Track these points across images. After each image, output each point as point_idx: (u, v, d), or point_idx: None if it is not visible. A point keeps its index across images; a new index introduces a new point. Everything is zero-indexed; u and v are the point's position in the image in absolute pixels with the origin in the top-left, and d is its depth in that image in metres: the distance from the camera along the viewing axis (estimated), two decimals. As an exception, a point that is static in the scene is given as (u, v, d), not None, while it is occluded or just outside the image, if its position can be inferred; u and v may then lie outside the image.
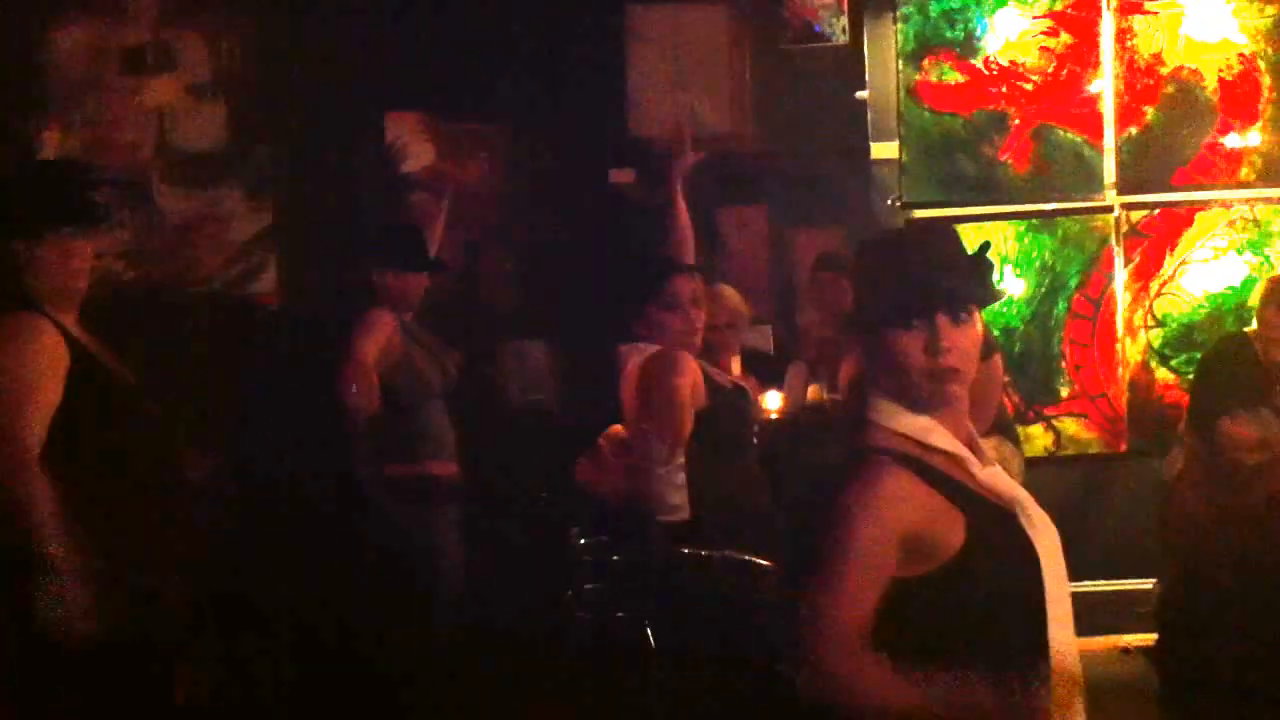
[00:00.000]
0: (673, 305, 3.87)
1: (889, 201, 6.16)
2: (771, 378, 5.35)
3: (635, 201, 5.79)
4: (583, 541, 5.56)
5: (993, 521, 2.02)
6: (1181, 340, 6.15)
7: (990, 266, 2.16)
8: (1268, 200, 6.20)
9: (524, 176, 5.44)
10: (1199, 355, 5.85)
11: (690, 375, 3.66)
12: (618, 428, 5.43)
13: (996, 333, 5.62)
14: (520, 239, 5.34)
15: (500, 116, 5.29)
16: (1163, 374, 6.15)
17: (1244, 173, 6.18)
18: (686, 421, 3.62)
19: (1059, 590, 2.06)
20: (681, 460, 3.68)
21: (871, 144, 6.12)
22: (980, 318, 2.10)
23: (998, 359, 5.06)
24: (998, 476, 2.08)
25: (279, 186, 4.60)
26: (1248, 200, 6.20)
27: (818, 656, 1.90)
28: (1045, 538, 2.06)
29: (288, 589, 4.38)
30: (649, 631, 5.33)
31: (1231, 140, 6.16)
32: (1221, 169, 6.18)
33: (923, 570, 1.97)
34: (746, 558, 3.52)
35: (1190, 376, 5.85)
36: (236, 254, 4.56)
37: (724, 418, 3.80)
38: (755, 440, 4.09)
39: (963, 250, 2.13)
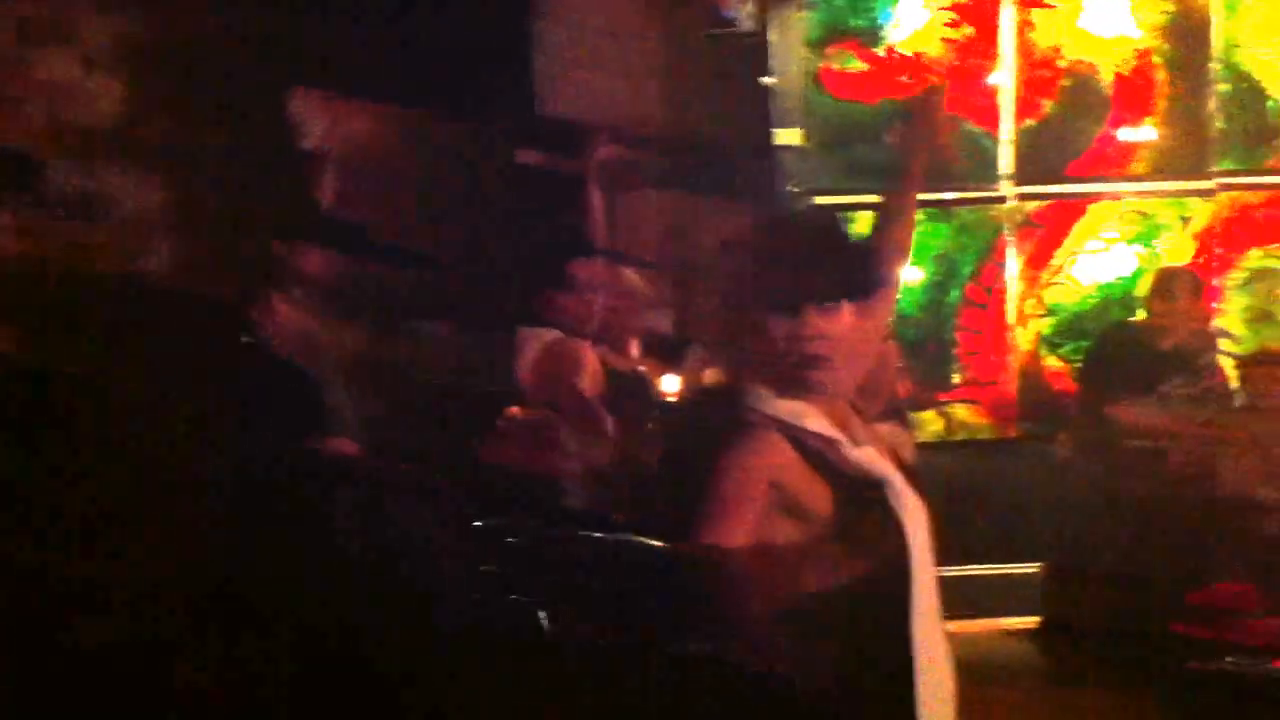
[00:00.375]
0: (571, 287, 3.86)
1: (791, 188, 6.22)
2: (671, 361, 5.37)
3: (541, 182, 5.77)
4: (479, 524, 5.58)
5: (860, 499, 2.06)
6: (1071, 329, 6.30)
7: (869, 258, 2.20)
8: (1158, 194, 6.36)
9: (427, 155, 5.39)
10: (1088, 344, 5.99)
11: (589, 367, 3.67)
12: (515, 409, 5.44)
13: (892, 319, 5.70)
14: (424, 218, 5.29)
15: (404, 95, 5.24)
16: (1052, 362, 6.30)
17: (1136, 167, 6.33)
18: (601, 414, 3.62)
19: (924, 574, 2.11)
20: (584, 446, 3.68)
21: (776, 130, 6.17)
22: (864, 306, 2.13)
23: (892, 344, 5.15)
24: (871, 457, 2.12)
25: (175, 163, 4.52)
26: (1139, 193, 6.35)
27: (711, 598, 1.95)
28: (914, 520, 2.11)
29: (182, 574, 4.33)
30: (542, 617, 5.36)
31: (1125, 134, 6.31)
32: (1114, 162, 6.32)
33: (790, 537, 2.02)
34: (646, 541, 3.55)
35: (1079, 365, 5.99)
36: (130, 231, 4.48)
37: (622, 403, 3.82)
38: (653, 424, 4.11)
39: (844, 240, 2.17)
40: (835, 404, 2.13)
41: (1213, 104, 6.27)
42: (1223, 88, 6.27)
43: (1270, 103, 6.28)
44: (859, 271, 2.17)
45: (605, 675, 3.50)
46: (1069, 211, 6.32)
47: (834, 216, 2.34)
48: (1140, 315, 5.76)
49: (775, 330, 2.07)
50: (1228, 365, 5.93)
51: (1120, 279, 6.33)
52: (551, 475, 5.10)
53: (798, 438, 2.06)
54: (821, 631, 2.01)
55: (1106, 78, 6.28)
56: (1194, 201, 6.33)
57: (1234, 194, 6.33)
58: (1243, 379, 5.59)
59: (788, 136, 6.20)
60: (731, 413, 2.10)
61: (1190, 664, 4.38)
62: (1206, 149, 6.29)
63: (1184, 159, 6.31)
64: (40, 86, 3.99)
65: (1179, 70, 6.27)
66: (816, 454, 2.06)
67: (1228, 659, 4.38)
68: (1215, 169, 6.30)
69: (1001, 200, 6.29)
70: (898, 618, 2.07)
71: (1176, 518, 5.18)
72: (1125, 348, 5.60)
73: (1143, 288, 5.94)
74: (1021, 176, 6.27)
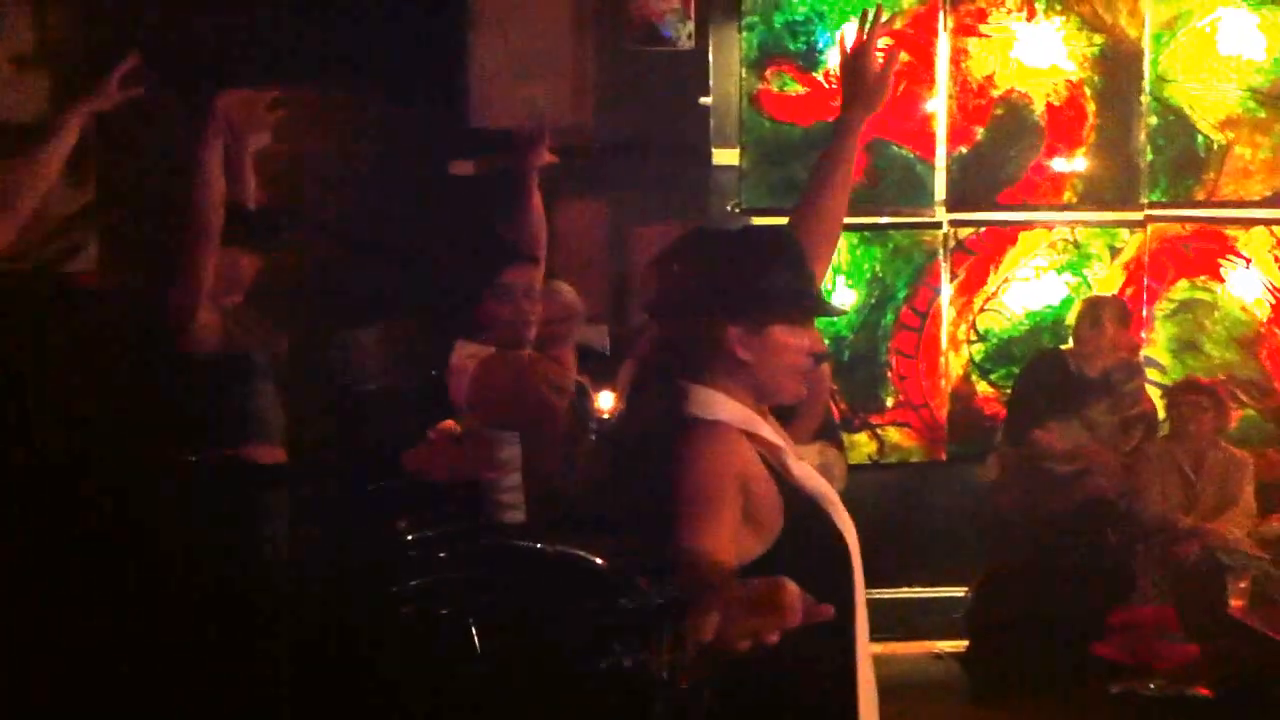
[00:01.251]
0: (505, 296, 3.81)
1: (728, 207, 6.24)
2: (605, 376, 5.35)
3: (475, 190, 5.74)
4: (410, 536, 5.51)
5: (809, 514, 2.05)
6: (1001, 355, 6.35)
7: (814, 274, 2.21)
8: (1088, 224, 6.44)
9: (362, 161, 5.35)
10: (1017, 370, 6.04)
11: (542, 375, 3.61)
12: (450, 423, 5.39)
13: (826, 340, 5.73)
14: (356, 225, 5.25)
15: (338, 100, 5.20)
16: (983, 387, 6.34)
17: (1066, 196, 6.40)
18: (560, 424, 3.56)
19: (859, 594, 2.10)
20: (517, 462, 3.62)
21: (713, 149, 6.18)
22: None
23: (826, 366, 5.17)
24: (810, 473, 2.11)
25: (102, 162, 4.45)
26: (1069, 223, 6.43)
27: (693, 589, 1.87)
28: (850, 539, 2.10)
29: (103, 579, 4.24)
30: (473, 630, 5.30)
31: (1056, 164, 6.38)
32: (1046, 191, 6.40)
33: (745, 555, 1.97)
34: (579, 554, 3.49)
35: (1009, 390, 6.04)
36: (57, 229, 4.39)
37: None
38: (590, 438, 4.08)
39: (804, 262, 2.16)
40: (770, 418, 2.12)
41: (1143, 136, 6.36)
42: (1152, 120, 6.37)
43: (1199, 136, 6.39)
44: (818, 293, 2.20)
45: (531, 687, 3.47)
46: (1001, 238, 6.38)
47: (795, 239, 2.29)
48: (1069, 343, 5.82)
49: (741, 340, 2.05)
50: (1154, 394, 6.02)
51: (1050, 307, 6.39)
52: (476, 487, 5.06)
53: (752, 444, 2.05)
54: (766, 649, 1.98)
55: (1039, 107, 6.36)
56: (1123, 232, 6.42)
57: (1162, 225, 6.43)
58: (1168, 407, 5.66)
59: (725, 156, 6.22)
60: (686, 415, 2.05)
61: (1111, 686, 4.42)
62: (1136, 180, 6.38)
63: (1114, 189, 6.40)
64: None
65: (1110, 102, 6.35)
66: (769, 463, 2.04)
67: (1151, 684, 4.42)
68: (1144, 200, 6.40)
69: (936, 225, 6.34)
70: (843, 636, 2.06)
71: (1099, 541, 5.22)
72: (1053, 374, 5.66)
73: (1072, 316, 6.00)
74: (954, 202, 6.32)
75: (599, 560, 3.44)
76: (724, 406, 2.05)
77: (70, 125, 3.50)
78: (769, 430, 2.08)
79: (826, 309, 2.29)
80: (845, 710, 2.08)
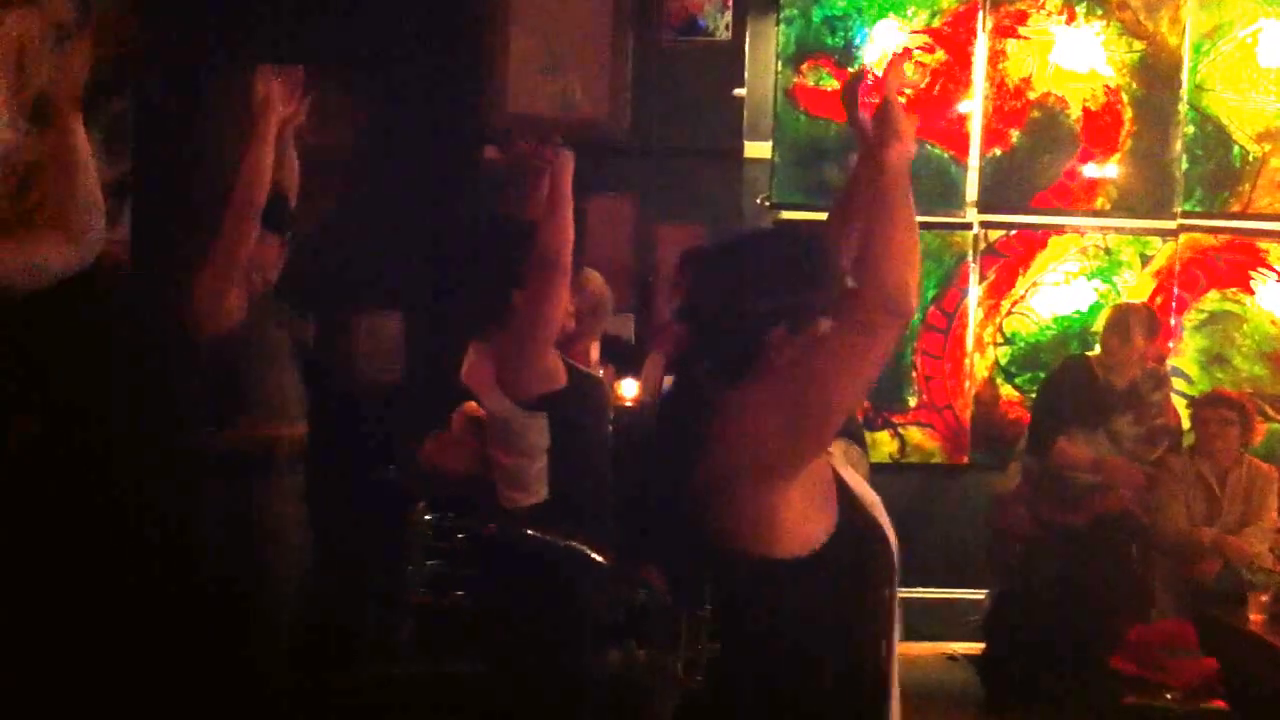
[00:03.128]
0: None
1: (759, 201, 6.22)
2: (630, 367, 5.35)
3: (506, 181, 5.73)
4: (426, 518, 5.52)
5: (860, 515, 2.05)
6: (1027, 359, 6.33)
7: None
8: (1120, 231, 6.40)
9: (392, 148, 5.34)
10: (1042, 375, 6.02)
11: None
12: (472, 405, 5.38)
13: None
14: (383, 212, 5.25)
15: (371, 85, 5.19)
16: (1007, 391, 6.32)
17: (1099, 202, 6.37)
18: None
19: (896, 599, 2.11)
20: (544, 443, 3.58)
21: (745, 142, 6.16)
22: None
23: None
24: (858, 479, 2.13)
25: (137, 135, 4.44)
26: (1101, 229, 6.40)
27: None
28: (893, 544, 2.11)
29: (119, 562, 4.25)
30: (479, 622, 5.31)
31: (1090, 169, 6.35)
32: (1079, 196, 6.36)
33: (808, 541, 1.99)
34: (584, 549, 3.49)
35: (1033, 395, 6.01)
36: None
37: (578, 404, 3.75)
38: (610, 429, 4.06)
39: (834, 260, 2.15)
40: None
41: (1178, 145, 6.32)
42: (1189, 130, 6.32)
43: (1235, 147, 6.34)
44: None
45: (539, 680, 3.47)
46: (1031, 242, 6.35)
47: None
48: (1095, 350, 5.78)
49: (790, 343, 2.04)
50: (1179, 405, 5.98)
51: (1078, 313, 6.36)
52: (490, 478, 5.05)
53: None
54: (814, 648, 2.00)
55: (1075, 112, 6.32)
56: (1155, 240, 6.38)
57: (1195, 235, 6.39)
58: (1194, 420, 5.62)
59: (757, 150, 6.19)
60: (702, 414, 2.05)
61: (1127, 699, 4.40)
62: (1170, 189, 6.34)
63: (1147, 198, 6.36)
64: (9, 47, 3.89)
65: (1147, 110, 6.31)
66: (825, 472, 2.06)
67: (1167, 694, 4.40)
68: (1178, 209, 6.35)
69: (967, 227, 6.31)
70: (882, 639, 2.07)
71: (1120, 554, 5.20)
72: (1078, 382, 5.61)
73: (1099, 323, 5.96)
74: (986, 205, 6.29)
75: (602, 558, 3.44)
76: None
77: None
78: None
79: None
80: (879, 713, 2.09)
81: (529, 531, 3.53)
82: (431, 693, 4.11)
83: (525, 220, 3.64)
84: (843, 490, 2.05)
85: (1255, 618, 4.75)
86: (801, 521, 1.98)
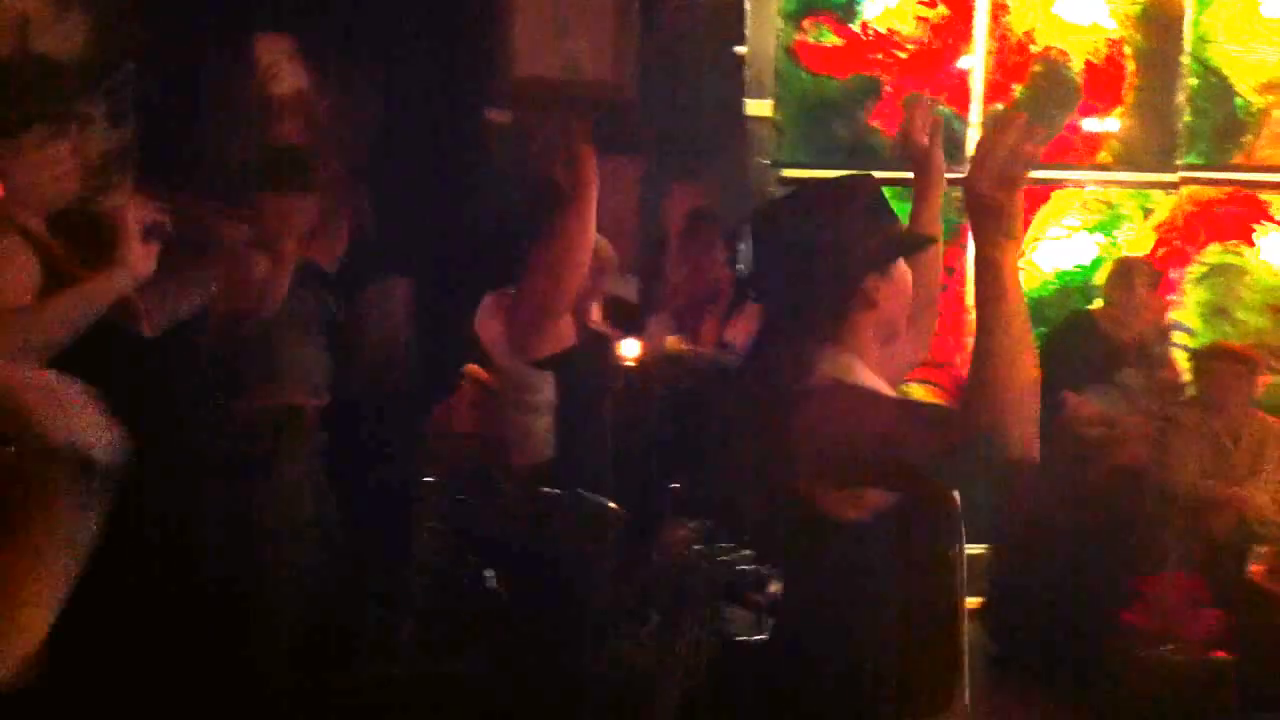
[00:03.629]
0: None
1: (761, 160, 6.20)
2: (633, 326, 5.35)
3: (512, 143, 5.72)
4: (428, 480, 5.52)
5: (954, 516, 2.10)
6: (1030, 314, 6.30)
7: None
8: (1122, 184, 6.39)
9: (400, 112, 5.32)
10: (1045, 330, 6.02)
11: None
12: (474, 367, 5.38)
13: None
14: (390, 174, 5.23)
15: (379, 50, 5.15)
16: (1012, 347, 6.31)
17: (1102, 156, 6.36)
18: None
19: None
20: (552, 400, 3.57)
21: (746, 101, 6.14)
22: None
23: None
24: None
25: (142, 103, 4.41)
26: (1103, 182, 6.39)
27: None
28: (957, 499, 2.14)
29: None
30: (492, 577, 5.32)
31: (1092, 123, 6.33)
32: (1081, 150, 6.35)
33: (876, 504, 2.00)
34: (600, 500, 3.49)
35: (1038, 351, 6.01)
36: (95, 168, 4.37)
37: (586, 363, 3.74)
38: (615, 387, 4.06)
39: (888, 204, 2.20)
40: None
41: (1181, 98, 6.30)
42: (1192, 82, 6.30)
43: (1238, 99, 6.33)
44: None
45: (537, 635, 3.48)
46: (1033, 197, 6.33)
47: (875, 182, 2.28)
48: (1098, 304, 5.79)
49: (884, 290, 2.10)
50: (1181, 359, 6.00)
51: (1080, 267, 6.36)
52: (500, 439, 5.05)
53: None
54: (888, 607, 2.02)
55: (1078, 66, 6.29)
56: (1157, 194, 6.38)
57: (1197, 188, 6.38)
58: (1195, 373, 5.63)
59: (758, 107, 6.17)
60: (796, 373, 2.05)
61: (1136, 651, 4.43)
62: (1172, 142, 6.33)
63: (1149, 151, 6.35)
64: (12, 16, 3.85)
65: (1149, 62, 6.29)
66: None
67: (1168, 647, 4.43)
68: (1180, 162, 6.34)
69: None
70: (952, 592, 2.12)
71: (1126, 507, 5.22)
72: (1081, 336, 5.61)
73: (1102, 277, 5.97)
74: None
75: (615, 506, 3.45)
76: (861, 372, 2.06)
77: None
78: (876, 383, 2.12)
79: (929, 240, 2.39)
80: (953, 661, 2.14)
81: (545, 490, 3.51)
82: (431, 692, 4.12)
83: (548, 177, 3.63)
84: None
85: (1256, 569, 4.80)
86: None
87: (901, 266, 2.14)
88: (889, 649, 2.02)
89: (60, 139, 2.76)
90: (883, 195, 2.18)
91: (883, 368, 2.13)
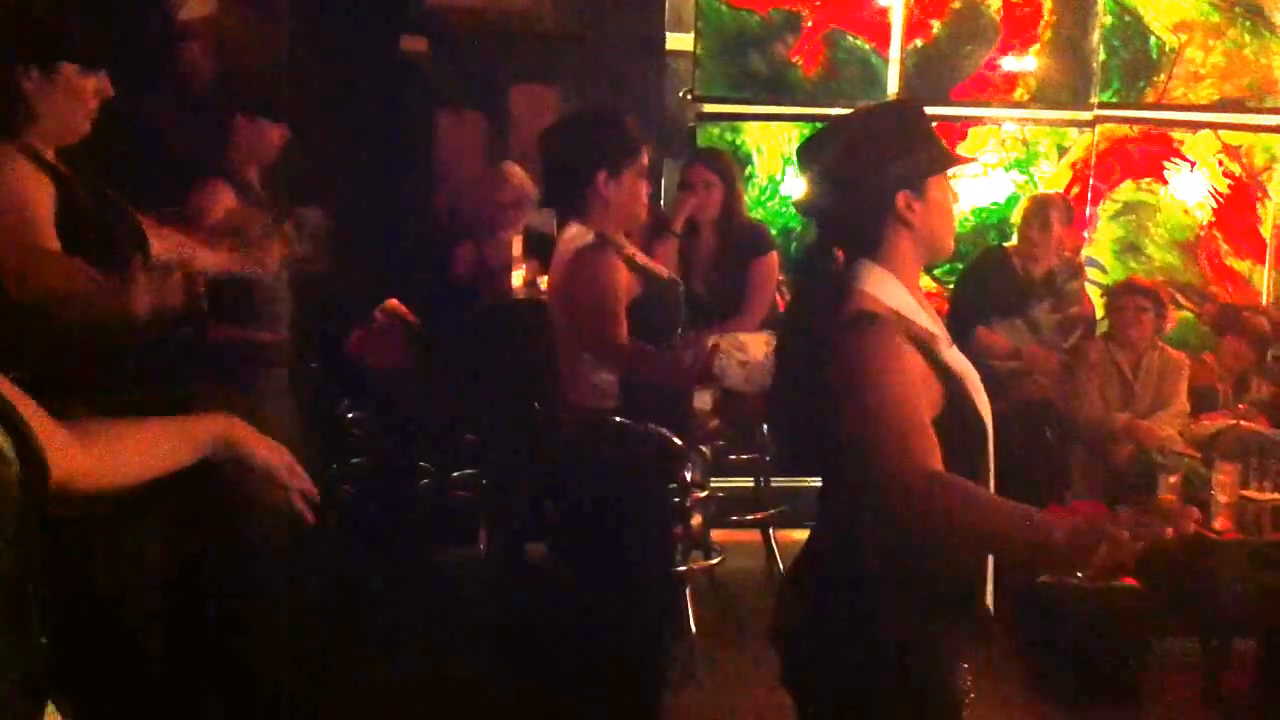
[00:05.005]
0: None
1: (681, 93, 6.18)
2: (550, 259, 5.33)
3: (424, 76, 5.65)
4: (350, 415, 5.50)
5: (960, 395, 2.11)
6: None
7: None
8: (1038, 121, 6.45)
9: (310, 38, 5.22)
10: (961, 266, 6.08)
11: (619, 274, 3.44)
12: (394, 302, 5.35)
13: (775, 233, 5.72)
14: (303, 103, 5.14)
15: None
16: (926, 282, 6.39)
17: (1018, 93, 6.40)
18: (618, 328, 3.40)
19: (991, 469, 2.19)
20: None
21: (668, 34, 6.10)
22: None
23: (773, 256, 5.17)
24: (958, 357, 2.18)
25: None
26: (1020, 120, 6.44)
27: (903, 488, 1.92)
28: (987, 418, 2.17)
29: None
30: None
31: (1009, 61, 6.37)
32: (998, 87, 6.39)
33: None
34: (664, 432, 3.44)
35: (952, 286, 6.08)
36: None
37: (655, 304, 3.59)
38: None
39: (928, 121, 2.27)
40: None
41: (1096, 36, 6.36)
42: (1107, 20, 6.36)
43: (1152, 38, 6.39)
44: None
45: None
46: (951, 134, 6.37)
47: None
48: (1013, 241, 5.86)
49: (917, 208, 2.16)
50: (1094, 294, 6.09)
51: (996, 204, 6.43)
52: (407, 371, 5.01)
53: (913, 333, 2.10)
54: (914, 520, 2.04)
55: (995, 4, 6.32)
56: (1072, 131, 6.44)
57: (1111, 126, 6.46)
58: (1108, 308, 5.72)
59: (680, 42, 6.14)
60: (857, 307, 2.12)
61: (1041, 579, 4.51)
62: (1087, 80, 6.39)
63: (1065, 89, 6.41)
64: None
65: (1066, 1, 6.33)
66: (929, 351, 2.11)
67: (1079, 575, 4.51)
68: (1095, 101, 6.41)
69: (887, 119, 6.31)
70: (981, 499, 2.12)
71: (1036, 440, 5.31)
72: (995, 272, 5.68)
73: (1017, 214, 6.03)
74: (906, 96, 6.29)
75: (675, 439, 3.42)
76: (895, 293, 2.15)
77: None
78: (926, 319, 2.17)
79: (958, 158, 2.42)
80: (976, 577, 2.19)
81: (620, 419, 3.41)
82: (430, 692, 4.15)
83: (613, 109, 3.60)
84: (944, 376, 2.10)
85: (1165, 498, 4.89)
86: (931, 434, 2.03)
87: (940, 186, 2.22)
88: (919, 548, 2.08)
89: (87, 76, 2.79)
90: (921, 118, 2.25)
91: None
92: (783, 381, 2.36)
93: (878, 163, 2.17)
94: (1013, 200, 6.34)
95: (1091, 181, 6.45)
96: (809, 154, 2.27)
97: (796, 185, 3.42)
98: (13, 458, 1.43)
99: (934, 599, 2.14)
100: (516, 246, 5.25)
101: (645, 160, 3.43)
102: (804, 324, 2.26)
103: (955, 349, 2.20)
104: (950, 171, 2.29)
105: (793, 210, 6.10)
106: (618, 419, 3.35)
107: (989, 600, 2.23)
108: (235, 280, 3.86)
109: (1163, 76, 6.43)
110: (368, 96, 5.33)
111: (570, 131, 3.49)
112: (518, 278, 5.22)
